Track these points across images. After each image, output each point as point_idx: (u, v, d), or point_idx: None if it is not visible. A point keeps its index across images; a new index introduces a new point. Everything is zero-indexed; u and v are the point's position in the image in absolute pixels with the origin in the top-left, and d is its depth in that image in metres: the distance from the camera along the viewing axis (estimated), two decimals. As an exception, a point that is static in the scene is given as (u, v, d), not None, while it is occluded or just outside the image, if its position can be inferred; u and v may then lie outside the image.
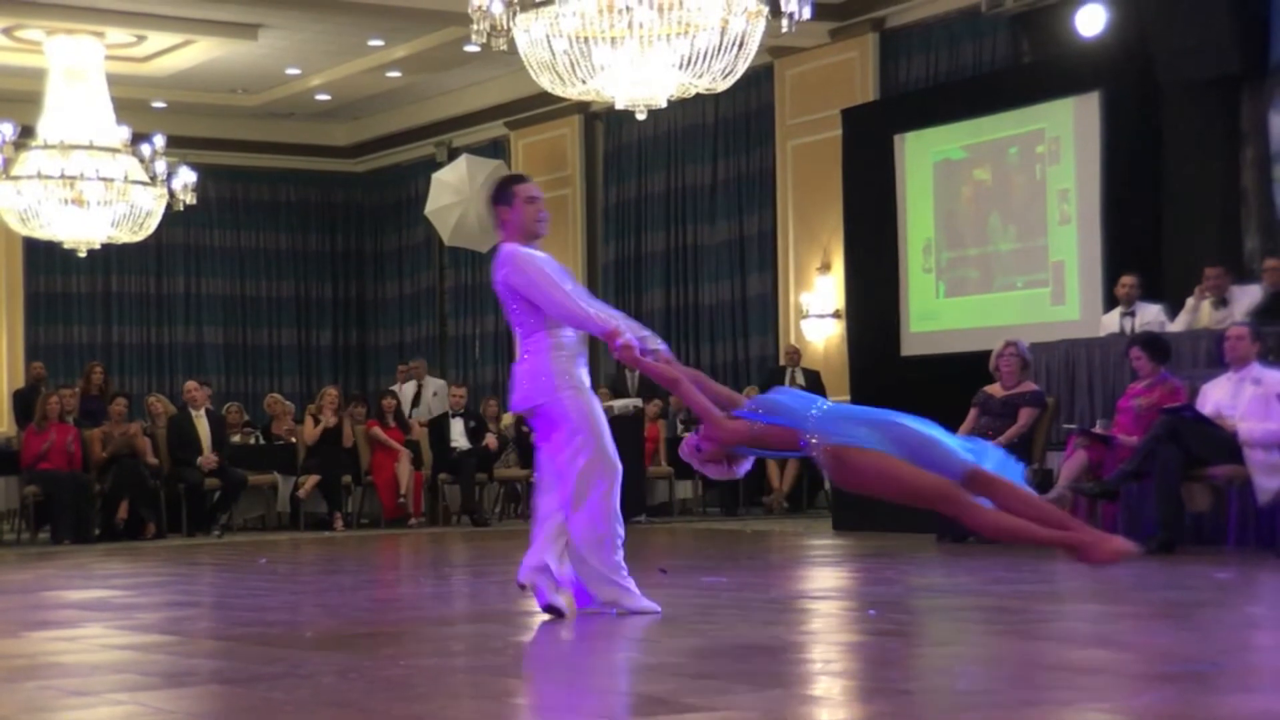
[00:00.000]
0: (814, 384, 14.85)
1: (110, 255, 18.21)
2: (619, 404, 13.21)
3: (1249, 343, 8.98)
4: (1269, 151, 11.81)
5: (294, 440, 14.15)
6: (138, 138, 15.19)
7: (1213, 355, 9.74)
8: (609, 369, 17.76)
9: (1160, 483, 8.82)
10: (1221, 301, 10.56)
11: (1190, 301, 10.75)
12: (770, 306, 16.36)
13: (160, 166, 15.20)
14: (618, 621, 5.71)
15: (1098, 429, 9.66)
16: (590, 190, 18.48)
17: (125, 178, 15.02)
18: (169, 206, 15.47)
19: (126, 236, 15.53)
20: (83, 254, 15.87)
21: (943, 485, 5.26)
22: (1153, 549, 8.66)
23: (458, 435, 14.42)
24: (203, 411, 13.51)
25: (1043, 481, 10.06)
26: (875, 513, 11.45)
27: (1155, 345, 9.54)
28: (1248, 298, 10.55)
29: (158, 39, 16.42)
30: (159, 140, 15.12)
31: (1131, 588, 7.10)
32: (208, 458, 13.12)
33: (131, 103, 16.75)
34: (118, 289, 19.84)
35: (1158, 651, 4.86)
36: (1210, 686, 4.14)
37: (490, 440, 14.51)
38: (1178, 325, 10.65)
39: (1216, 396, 9.03)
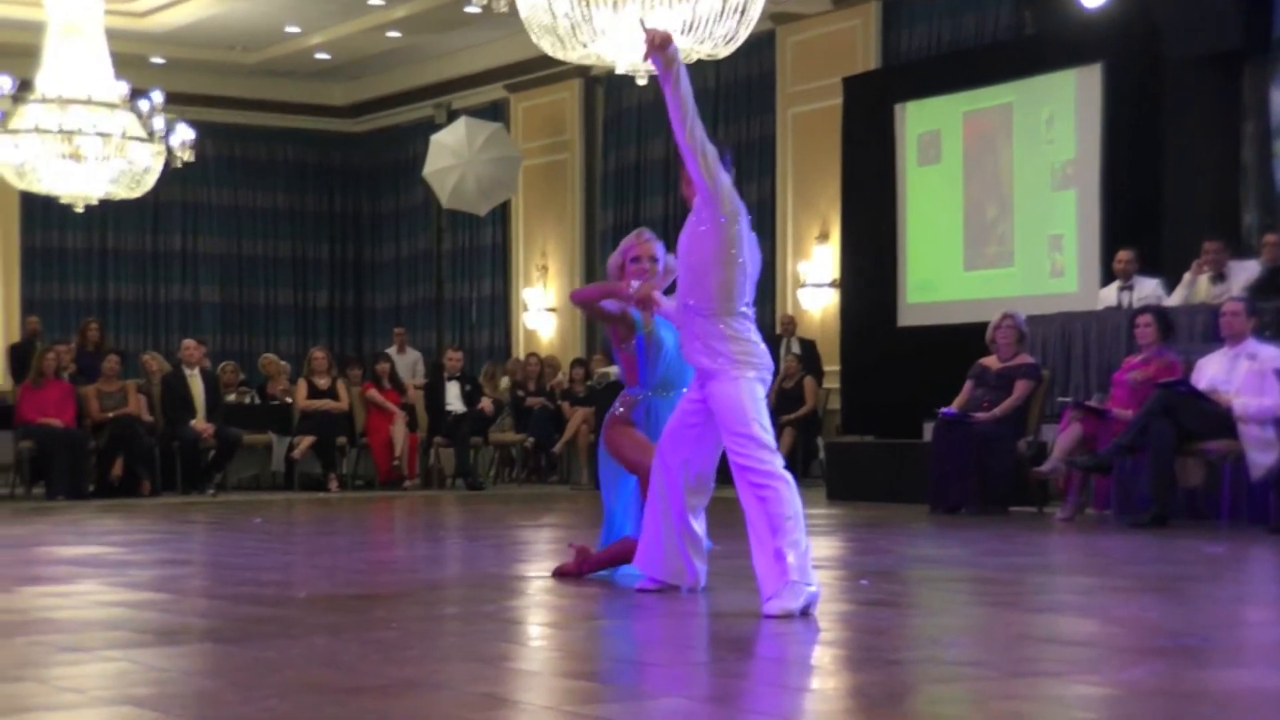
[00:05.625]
0: (809, 353, 14.82)
1: (107, 211, 18.12)
2: (615, 370, 13.19)
3: (1245, 318, 8.98)
4: (1269, 126, 11.78)
5: (289, 400, 14.15)
6: (136, 93, 15.10)
7: (1209, 330, 9.74)
8: (603, 333, 17.73)
9: (1154, 457, 8.83)
10: (1219, 276, 10.54)
11: (1188, 276, 10.73)
12: (767, 275, 16.31)
13: (158, 123, 15.11)
14: (606, 588, 5.73)
15: (1093, 402, 9.68)
16: (589, 155, 18.40)
17: (123, 134, 14.92)
18: (167, 163, 15.39)
19: (124, 193, 15.45)
20: (79, 210, 15.79)
21: None
22: (1145, 523, 8.70)
23: (453, 399, 14.41)
24: (197, 370, 13.48)
25: (1037, 454, 10.08)
26: (869, 483, 11.52)
27: (1165, 319, 9.56)
28: (1245, 273, 10.53)
29: (157, -6, 16.34)
30: (157, 96, 15.02)
31: (1123, 561, 7.12)
32: (203, 425, 13.09)
33: (130, 58, 16.62)
34: (114, 245, 19.78)
35: (1147, 625, 4.88)
36: (1200, 661, 4.15)
37: (485, 404, 14.50)
38: (1175, 299, 10.64)
39: (1212, 371, 9.03)
